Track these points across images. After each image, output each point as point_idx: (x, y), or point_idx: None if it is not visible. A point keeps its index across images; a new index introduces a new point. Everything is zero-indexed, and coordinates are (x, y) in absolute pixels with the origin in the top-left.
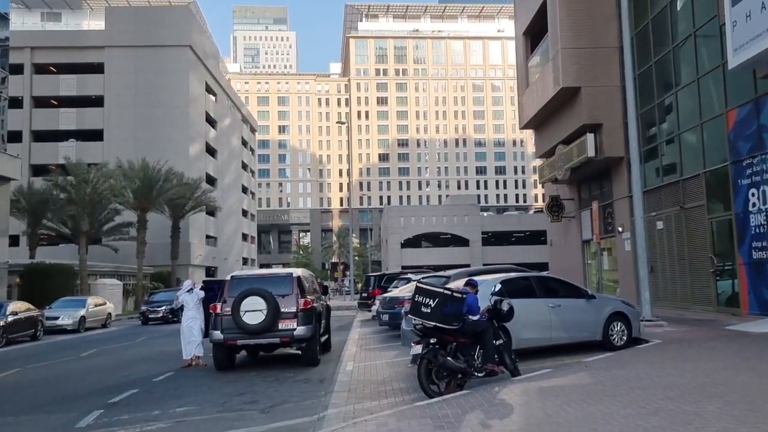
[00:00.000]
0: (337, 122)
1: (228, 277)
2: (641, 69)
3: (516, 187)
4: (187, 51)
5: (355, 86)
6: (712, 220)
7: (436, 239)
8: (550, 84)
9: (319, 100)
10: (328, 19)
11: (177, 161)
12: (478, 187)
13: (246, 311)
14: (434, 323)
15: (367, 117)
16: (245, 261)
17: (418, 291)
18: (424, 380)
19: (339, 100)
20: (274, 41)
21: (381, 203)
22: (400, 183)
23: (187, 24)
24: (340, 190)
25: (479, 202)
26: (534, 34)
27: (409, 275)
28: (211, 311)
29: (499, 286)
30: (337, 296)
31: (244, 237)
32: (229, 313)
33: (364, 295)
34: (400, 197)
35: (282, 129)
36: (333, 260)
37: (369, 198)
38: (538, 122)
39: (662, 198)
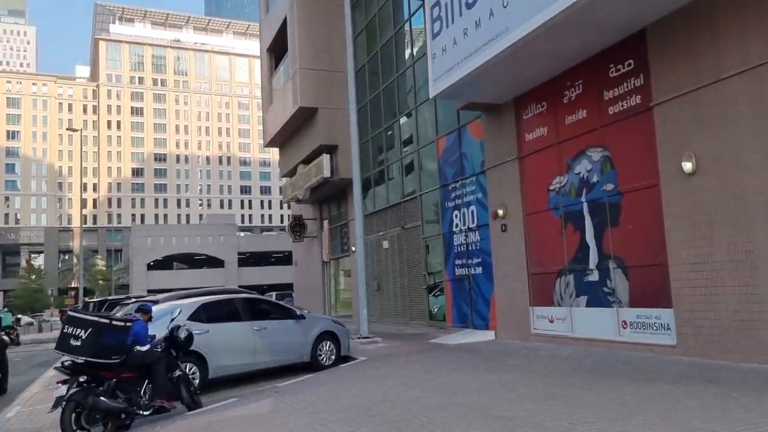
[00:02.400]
0: (67, 129)
1: None
2: (372, 95)
3: (281, 208)
4: None
5: (105, 93)
6: (426, 240)
7: (190, 260)
8: (290, 103)
9: (61, 104)
10: (76, 17)
11: None
12: (242, 207)
13: None
14: (85, 358)
15: (119, 127)
16: None
17: (68, 321)
18: (68, 427)
19: (86, 107)
20: (9, 35)
21: (134, 221)
22: (156, 200)
23: None
24: (84, 206)
25: (243, 222)
26: (278, 51)
27: (134, 300)
28: None
29: (178, 312)
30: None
31: None
32: None
33: None
34: (156, 216)
35: (12, 135)
36: (73, 284)
37: (119, 216)
38: (281, 141)
39: (388, 219)
